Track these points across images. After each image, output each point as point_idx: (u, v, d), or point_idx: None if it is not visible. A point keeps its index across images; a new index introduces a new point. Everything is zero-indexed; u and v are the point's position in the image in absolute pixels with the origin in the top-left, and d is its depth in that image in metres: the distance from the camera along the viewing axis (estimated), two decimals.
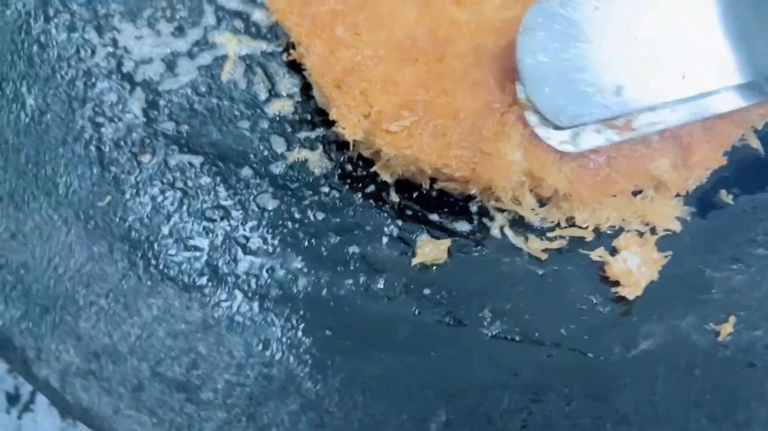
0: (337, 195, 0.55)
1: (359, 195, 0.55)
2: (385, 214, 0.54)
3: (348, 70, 0.56)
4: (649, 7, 0.51)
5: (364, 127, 0.54)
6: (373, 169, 0.55)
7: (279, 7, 0.60)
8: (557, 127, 0.51)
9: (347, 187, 0.55)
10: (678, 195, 0.54)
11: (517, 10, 0.58)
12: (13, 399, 0.69)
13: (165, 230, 0.52)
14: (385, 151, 0.53)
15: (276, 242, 0.52)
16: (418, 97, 0.54)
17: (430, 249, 0.52)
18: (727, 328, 0.48)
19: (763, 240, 0.52)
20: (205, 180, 0.55)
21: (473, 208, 0.55)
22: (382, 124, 0.53)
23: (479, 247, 0.53)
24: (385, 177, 0.55)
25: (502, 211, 0.54)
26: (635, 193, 0.54)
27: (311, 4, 0.59)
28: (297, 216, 0.54)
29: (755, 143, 0.56)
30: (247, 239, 0.52)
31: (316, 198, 0.55)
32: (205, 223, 0.52)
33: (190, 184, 0.54)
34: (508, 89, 0.54)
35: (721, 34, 0.51)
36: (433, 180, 0.55)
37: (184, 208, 0.53)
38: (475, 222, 0.54)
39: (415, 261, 0.52)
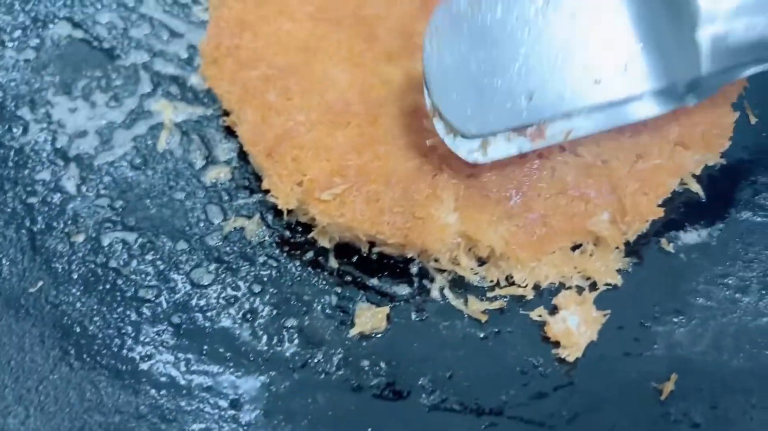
0: (275, 264, 0.54)
1: (297, 262, 0.54)
2: (324, 281, 0.53)
3: (280, 138, 0.55)
4: (560, 11, 0.49)
5: (298, 196, 0.53)
6: (311, 235, 0.54)
7: (211, 74, 0.60)
8: (465, 136, 0.49)
9: (285, 254, 0.54)
10: (617, 248, 0.54)
11: None
12: None
13: (98, 314, 0.51)
14: (319, 219, 0.52)
15: (211, 320, 0.51)
16: (351, 162, 0.54)
17: (368, 318, 0.51)
18: (669, 386, 0.48)
19: (704, 290, 0.52)
20: (139, 258, 0.54)
21: (413, 270, 0.54)
22: (314, 192, 0.52)
23: (419, 312, 0.52)
24: (323, 242, 0.54)
25: (441, 271, 0.53)
26: (574, 248, 0.54)
27: (243, 69, 0.59)
28: (232, 291, 0.53)
29: (695, 187, 0.56)
30: (181, 318, 0.51)
31: (252, 269, 0.54)
32: (137, 305, 0.51)
33: (123, 263, 0.53)
34: (441, 149, 0.54)
35: (635, 39, 0.50)
36: (372, 244, 0.54)
37: (118, 289, 0.52)
38: (415, 284, 0.53)
39: (353, 331, 0.51)
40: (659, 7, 0.49)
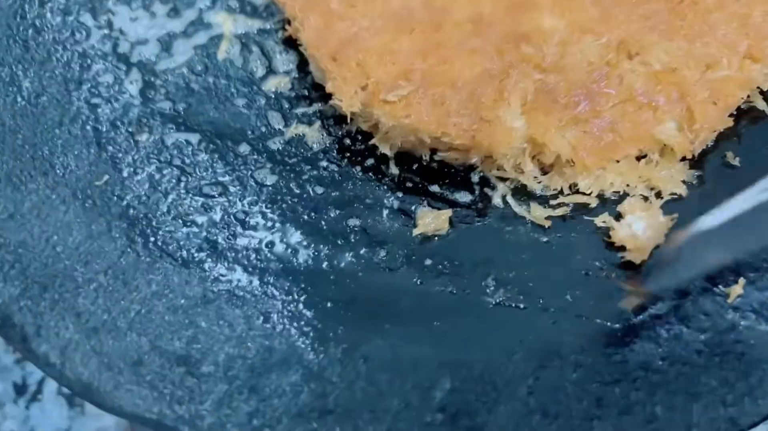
0: (336, 169, 0.54)
1: (358, 168, 0.54)
2: (385, 187, 0.53)
3: (344, 42, 0.55)
4: None
5: (362, 99, 0.53)
6: (371, 142, 0.54)
7: None
8: None
9: (346, 160, 0.55)
10: (684, 159, 0.53)
11: None
12: (20, 389, 0.69)
13: (163, 207, 0.52)
14: (383, 121, 0.52)
15: (275, 217, 0.52)
16: (416, 66, 0.54)
17: (431, 220, 0.51)
18: (736, 290, 0.47)
19: None
20: (202, 157, 0.54)
21: (474, 178, 0.54)
22: (379, 94, 0.52)
23: (481, 217, 0.52)
24: (385, 149, 0.54)
25: (504, 180, 0.53)
26: (639, 158, 0.53)
27: None
28: (296, 190, 0.53)
29: (761, 104, 0.55)
30: (246, 214, 0.52)
31: (314, 172, 0.54)
32: (203, 200, 0.52)
33: (187, 161, 0.54)
34: (507, 55, 0.54)
35: None
36: (433, 151, 0.54)
37: (182, 185, 0.53)
38: (476, 192, 0.53)
39: (416, 232, 0.51)
40: None
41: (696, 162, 0.53)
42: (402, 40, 0.54)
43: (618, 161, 0.52)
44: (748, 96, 0.54)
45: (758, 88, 0.54)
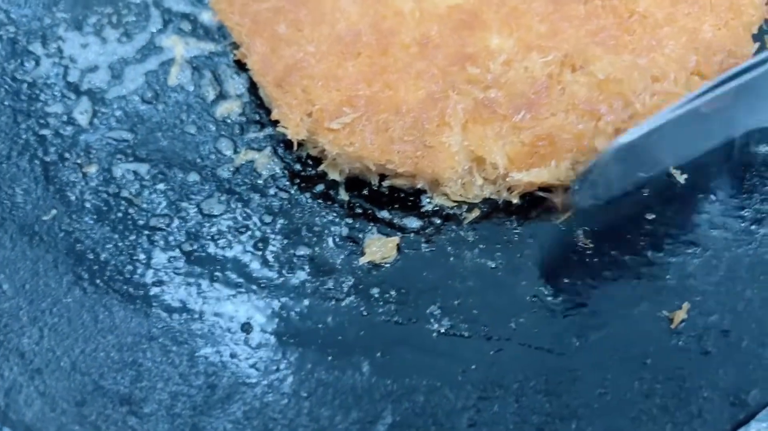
0: (285, 196, 0.54)
1: (308, 195, 0.54)
2: (335, 214, 0.53)
3: (289, 68, 0.55)
4: None
5: (307, 126, 0.53)
6: (321, 168, 0.54)
7: (221, 8, 0.59)
8: None
9: (296, 187, 0.54)
10: None
11: None
12: None
13: (110, 242, 0.51)
14: (328, 149, 0.52)
15: (221, 249, 0.52)
16: (361, 92, 0.53)
17: (379, 248, 0.51)
18: (680, 315, 0.47)
19: (720, 221, 0.51)
20: (150, 188, 0.54)
21: (424, 203, 0.54)
22: (323, 122, 0.52)
23: (429, 243, 0.52)
24: (334, 175, 0.54)
25: (452, 202, 0.53)
26: None
27: (253, 1, 0.58)
28: (244, 221, 0.53)
29: None
30: (192, 246, 0.52)
31: (263, 201, 0.54)
32: (149, 233, 0.52)
33: (135, 193, 0.54)
34: (450, 77, 0.53)
35: None
36: (382, 176, 0.54)
37: (129, 218, 0.52)
38: (425, 218, 0.53)
39: (363, 260, 0.51)
40: None
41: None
42: (347, 65, 0.54)
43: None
44: None
45: None
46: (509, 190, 0.53)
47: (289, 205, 0.54)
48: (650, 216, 0.52)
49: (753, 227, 0.51)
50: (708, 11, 0.54)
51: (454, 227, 0.53)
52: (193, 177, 0.55)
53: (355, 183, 0.55)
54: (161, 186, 0.54)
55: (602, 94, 0.51)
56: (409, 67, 0.54)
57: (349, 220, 0.53)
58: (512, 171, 0.50)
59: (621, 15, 0.55)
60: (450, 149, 0.51)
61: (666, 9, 0.55)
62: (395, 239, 0.51)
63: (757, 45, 0.54)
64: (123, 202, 0.53)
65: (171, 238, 0.52)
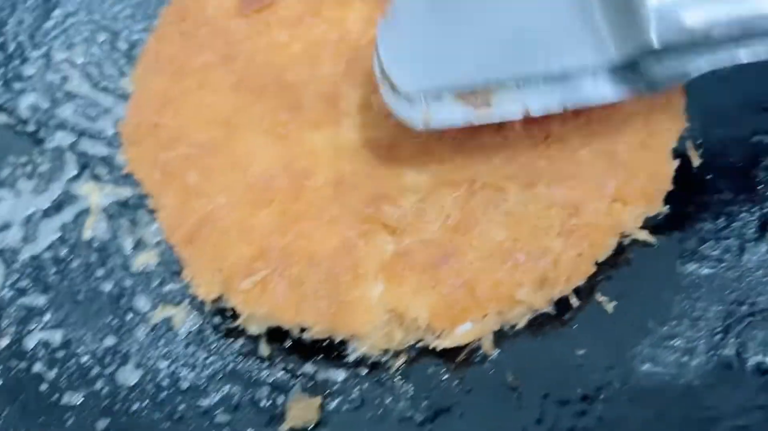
0: (204, 355, 0.52)
1: (228, 352, 0.52)
2: (256, 371, 0.51)
3: (200, 222, 0.53)
4: None
5: (219, 283, 0.51)
6: (239, 322, 0.52)
7: (131, 156, 0.58)
8: (412, 103, 0.49)
9: (215, 344, 0.53)
10: None
11: (376, 131, 0.56)
12: None
13: (20, 424, 0.49)
14: (239, 309, 0.50)
15: (137, 423, 0.49)
16: (273, 243, 0.51)
17: (300, 411, 0.49)
18: None
19: (650, 354, 0.49)
20: (63, 359, 0.52)
21: (349, 351, 0.52)
22: (234, 282, 0.50)
23: (354, 399, 0.50)
24: (253, 330, 0.52)
25: (378, 350, 0.51)
26: None
27: (163, 149, 0.57)
28: (163, 383, 0.51)
29: (642, 236, 0.53)
30: (106, 423, 0.49)
31: (181, 362, 0.52)
32: (59, 413, 0.50)
33: (47, 366, 0.52)
34: (365, 223, 0.52)
35: (587, 7, 0.49)
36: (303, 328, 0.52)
37: (40, 396, 0.50)
38: (350, 367, 0.51)
39: (284, 427, 0.49)
40: None
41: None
42: (259, 214, 0.52)
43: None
44: (624, 233, 0.53)
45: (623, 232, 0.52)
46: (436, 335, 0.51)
47: (208, 367, 0.52)
48: (580, 352, 0.50)
49: (685, 359, 0.49)
50: (623, 131, 0.53)
51: (381, 375, 0.51)
52: (109, 341, 0.53)
53: (277, 333, 0.53)
54: (74, 357, 0.52)
55: (520, 240, 0.50)
56: (323, 212, 0.52)
57: (272, 378, 0.51)
58: (434, 324, 0.49)
59: (536, 139, 0.54)
60: (367, 304, 0.49)
61: (582, 130, 0.54)
62: (317, 400, 0.49)
63: (676, 163, 0.52)
64: (34, 379, 0.51)
65: (84, 415, 0.50)
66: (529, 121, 0.53)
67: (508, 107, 0.49)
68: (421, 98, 0.49)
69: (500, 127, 0.54)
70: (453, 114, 0.49)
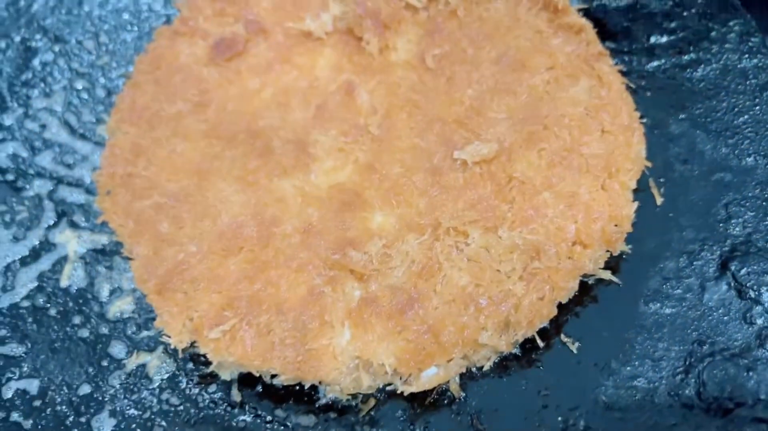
0: (177, 402, 0.53)
1: (201, 398, 0.53)
2: (227, 416, 0.52)
3: (171, 272, 0.54)
4: None
5: (190, 331, 0.53)
6: (212, 368, 0.53)
7: (105, 206, 0.59)
8: None
9: (189, 390, 0.53)
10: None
11: (344, 174, 0.57)
12: None
13: None
14: (210, 357, 0.51)
15: None
16: (242, 292, 0.53)
17: None
18: None
19: (613, 395, 0.50)
20: (40, 408, 0.53)
21: (319, 395, 0.52)
22: (203, 330, 0.51)
23: None
24: (224, 376, 0.53)
25: (346, 395, 0.52)
26: None
27: (136, 199, 0.58)
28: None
29: (606, 275, 0.54)
30: None
31: (156, 409, 0.53)
32: None
33: (23, 415, 0.53)
34: (332, 269, 0.53)
35: None
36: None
37: None
38: (320, 412, 0.52)
39: None
40: None
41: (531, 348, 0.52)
42: (229, 263, 0.54)
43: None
44: (589, 272, 0.53)
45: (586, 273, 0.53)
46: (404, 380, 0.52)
47: (182, 415, 0.53)
48: (546, 392, 0.51)
49: (647, 398, 0.50)
50: (584, 172, 0.54)
51: (350, 419, 0.52)
52: (85, 389, 0.54)
53: (248, 378, 0.53)
54: (51, 404, 0.53)
55: (482, 284, 0.51)
56: (291, 260, 0.53)
57: (242, 425, 0.52)
58: (400, 369, 0.49)
59: (499, 182, 0.55)
60: (333, 351, 0.50)
61: (543, 173, 0.55)
62: None
63: (636, 204, 0.53)
64: (12, 427, 0.52)
65: None
66: (492, 163, 0.55)
67: None
68: None
69: (464, 168, 0.55)
70: None
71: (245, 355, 0.50)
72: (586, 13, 0.64)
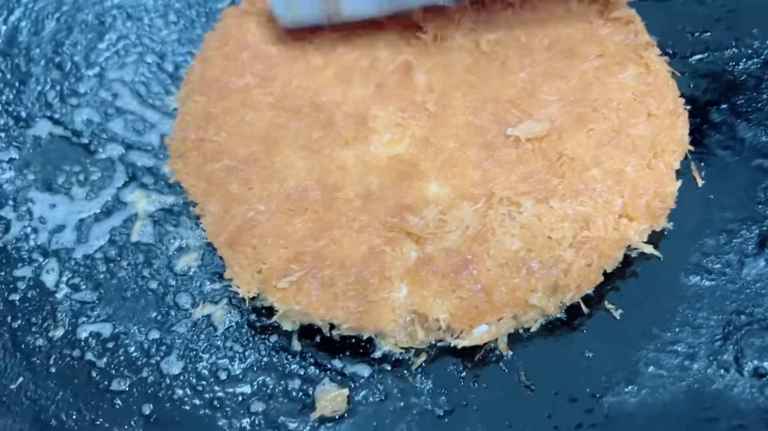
0: (241, 350, 0.56)
1: (263, 347, 0.57)
2: (288, 364, 0.56)
3: (241, 228, 0.58)
4: None
5: (258, 283, 0.56)
6: (273, 319, 0.57)
7: (177, 168, 0.63)
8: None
9: (251, 339, 0.57)
10: None
11: (402, 147, 0.61)
12: None
13: (73, 408, 0.54)
14: (277, 307, 0.55)
15: (179, 407, 0.54)
16: (308, 248, 0.56)
17: (329, 401, 0.53)
18: None
19: (654, 358, 0.53)
20: (112, 349, 0.57)
21: (374, 348, 0.56)
22: (272, 281, 0.55)
23: (378, 392, 0.54)
24: (287, 326, 0.57)
25: (401, 349, 0.55)
26: None
27: (207, 162, 0.62)
28: (198, 380, 0.55)
29: (648, 249, 0.57)
30: (151, 408, 0.54)
31: (220, 355, 0.56)
32: (110, 396, 0.54)
33: (97, 355, 0.56)
34: (391, 231, 0.56)
35: None
36: (333, 325, 0.57)
37: (92, 382, 0.55)
38: (375, 363, 0.55)
39: (314, 415, 0.53)
40: None
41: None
42: (295, 222, 0.57)
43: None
44: (630, 245, 0.57)
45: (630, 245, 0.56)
46: (455, 336, 0.55)
47: (244, 360, 0.56)
48: (589, 354, 0.54)
49: (686, 362, 0.53)
50: (631, 152, 0.58)
51: (404, 372, 0.55)
52: (154, 335, 0.57)
53: (308, 330, 0.57)
54: (122, 347, 0.57)
55: (534, 249, 0.54)
56: (352, 221, 0.57)
57: (302, 371, 0.55)
58: (454, 324, 0.53)
59: (550, 158, 0.58)
60: (392, 304, 0.53)
61: (592, 151, 0.58)
62: (345, 392, 0.54)
63: (680, 182, 0.57)
64: (86, 365, 0.56)
65: (131, 401, 0.54)
66: (543, 140, 0.58)
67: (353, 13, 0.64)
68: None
69: (517, 144, 0.59)
70: (312, 12, 0.64)
71: (310, 304, 0.54)
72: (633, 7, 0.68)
